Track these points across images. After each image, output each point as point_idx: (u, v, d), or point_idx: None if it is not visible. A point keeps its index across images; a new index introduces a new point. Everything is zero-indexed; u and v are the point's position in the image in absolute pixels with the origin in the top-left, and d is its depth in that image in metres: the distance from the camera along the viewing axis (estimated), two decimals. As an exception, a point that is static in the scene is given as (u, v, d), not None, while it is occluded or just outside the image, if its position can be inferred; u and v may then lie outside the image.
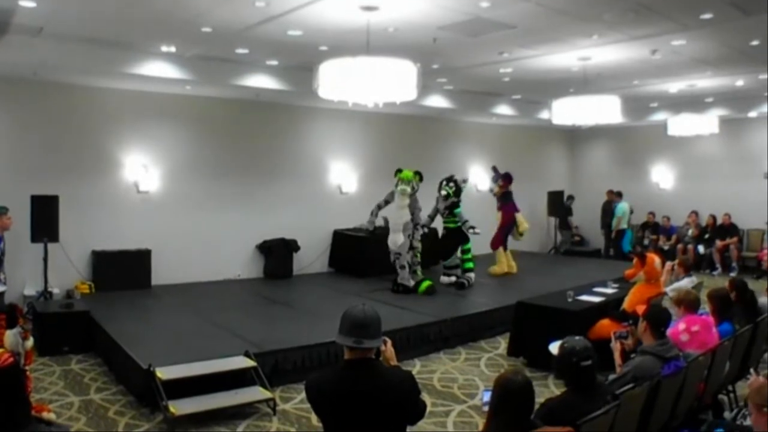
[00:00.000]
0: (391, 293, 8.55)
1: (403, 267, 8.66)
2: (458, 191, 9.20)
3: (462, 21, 6.07)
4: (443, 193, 9.14)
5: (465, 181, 9.51)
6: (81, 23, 6.26)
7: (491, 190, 10.76)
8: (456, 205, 9.22)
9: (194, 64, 7.86)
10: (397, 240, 8.65)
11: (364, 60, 5.32)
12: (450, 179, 9.27)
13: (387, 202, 9.03)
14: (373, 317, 2.52)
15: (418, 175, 8.74)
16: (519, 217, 10.44)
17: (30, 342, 4.26)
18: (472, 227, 9.12)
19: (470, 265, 9.31)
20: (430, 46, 6.92)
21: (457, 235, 9.28)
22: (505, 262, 10.32)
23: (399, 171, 8.82)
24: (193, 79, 8.04)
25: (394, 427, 2.52)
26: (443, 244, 9.50)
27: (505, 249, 10.47)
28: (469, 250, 9.36)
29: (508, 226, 10.44)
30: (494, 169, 10.83)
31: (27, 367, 4.16)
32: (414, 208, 8.73)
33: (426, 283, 8.62)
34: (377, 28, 5.93)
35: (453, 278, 9.26)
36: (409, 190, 8.61)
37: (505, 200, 10.49)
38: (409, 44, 6.62)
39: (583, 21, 6.13)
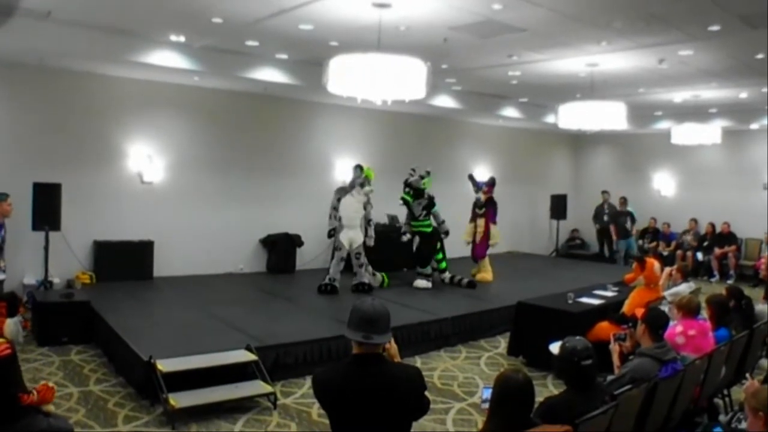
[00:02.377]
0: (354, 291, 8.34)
1: (361, 266, 8.51)
2: (418, 192, 8.98)
3: (473, 22, 6.11)
4: (400, 202, 9.05)
5: (428, 172, 9.12)
6: (90, 9, 6.25)
7: (478, 200, 9.92)
8: (432, 203, 9.09)
9: (203, 55, 7.86)
10: (356, 239, 8.44)
11: (374, 56, 5.34)
12: (405, 183, 9.07)
13: (335, 209, 8.59)
14: (382, 312, 2.52)
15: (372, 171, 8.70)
16: (493, 229, 9.89)
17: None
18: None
19: (444, 264, 9.23)
20: (440, 46, 6.95)
21: (434, 238, 9.12)
22: (490, 269, 9.95)
23: (360, 168, 8.60)
24: (202, 70, 8.04)
25: (400, 423, 2.53)
26: (421, 250, 9.17)
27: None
28: (441, 251, 9.19)
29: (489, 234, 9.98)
30: (471, 177, 10.26)
31: None
32: (368, 204, 8.59)
33: (386, 276, 8.90)
34: (388, 25, 5.96)
35: (429, 284, 8.98)
36: (373, 190, 8.54)
37: (489, 207, 9.94)
38: (420, 43, 6.64)
39: (593, 27, 6.17)
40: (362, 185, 8.45)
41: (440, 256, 9.24)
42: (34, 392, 3.56)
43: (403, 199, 9.07)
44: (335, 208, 8.55)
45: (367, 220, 8.60)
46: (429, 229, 9.13)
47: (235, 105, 9.73)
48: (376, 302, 2.56)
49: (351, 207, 8.46)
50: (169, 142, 9.20)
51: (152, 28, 7.04)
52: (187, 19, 6.53)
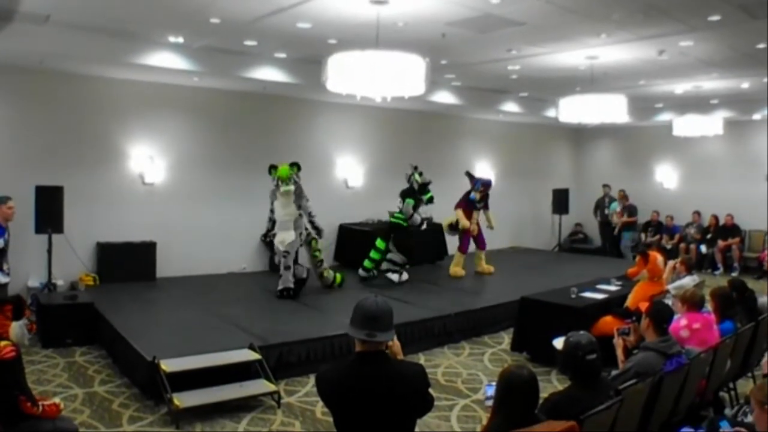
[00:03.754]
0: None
1: (288, 268, 7.86)
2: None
3: (471, 17, 6.09)
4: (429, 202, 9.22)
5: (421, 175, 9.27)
6: (89, 12, 6.26)
7: (473, 199, 9.98)
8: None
9: (202, 56, 7.85)
10: (285, 238, 7.87)
11: (373, 53, 5.32)
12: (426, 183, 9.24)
13: (272, 211, 8.11)
14: (385, 310, 2.51)
15: (296, 165, 7.95)
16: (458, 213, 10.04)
17: None
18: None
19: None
20: (439, 41, 6.93)
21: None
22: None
23: (273, 168, 7.97)
24: (201, 71, 8.03)
25: (404, 420, 2.52)
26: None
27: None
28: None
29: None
30: (469, 174, 10.32)
31: None
32: (300, 199, 7.98)
33: (340, 277, 8.61)
34: (386, 22, 5.93)
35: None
36: (292, 188, 7.80)
37: (485, 203, 10.18)
38: (418, 39, 6.62)
39: (591, 20, 6.14)
40: (278, 186, 7.85)
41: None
42: (40, 405, 3.56)
43: (431, 198, 9.22)
44: (272, 211, 8.13)
45: (308, 214, 8.11)
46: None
47: (234, 105, 9.72)
48: (379, 300, 2.55)
49: (279, 210, 7.97)
50: (170, 143, 9.20)
51: (151, 29, 7.04)
52: (185, 20, 6.52)
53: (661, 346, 3.77)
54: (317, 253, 8.40)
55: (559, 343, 3.78)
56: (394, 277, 9.04)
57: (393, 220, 9.23)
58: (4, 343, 3.49)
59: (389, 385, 2.46)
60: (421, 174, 9.21)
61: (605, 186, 13.83)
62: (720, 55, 7.64)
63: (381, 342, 2.50)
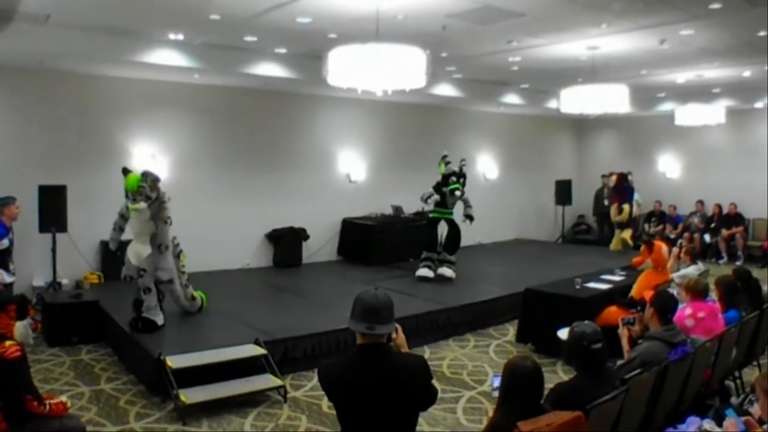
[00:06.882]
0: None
1: (148, 290, 6.09)
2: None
3: (471, 9, 6.06)
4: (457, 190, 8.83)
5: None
6: (88, 11, 6.26)
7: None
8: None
9: (202, 52, 7.85)
10: (142, 252, 6.16)
11: (373, 47, 5.31)
12: (458, 173, 8.94)
13: (122, 216, 6.42)
14: (385, 302, 2.52)
15: (149, 177, 6.10)
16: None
17: None
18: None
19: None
20: (439, 34, 6.90)
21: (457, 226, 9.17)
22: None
23: (124, 173, 6.16)
24: (201, 68, 8.03)
25: (406, 412, 2.53)
26: (452, 237, 9.07)
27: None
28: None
29: None
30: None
31: None
32: (159, 218, 6.29)
33: (204, 297, 6.99)
34: (386, 15, 5.91)
35: (454, 274, 8.80)
36: (144, 206, 6.00)
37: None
38: (418, 32, 6.60)
39: (592, 10, 6.12)
40: (127, 197, 6.12)
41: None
42: (47, 404, 3.58)
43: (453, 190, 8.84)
44: (121, 216, 6.46)
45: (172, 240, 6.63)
46: (453, 216, 9.12)
47: (236, 101, 9.72)
48: (378, 292, 2.56)
49: (134, 220, 6.27)
50: (172, 141, 9.20)
51: (151, 27, 7.03)
52: (185, 17, 6.51)
53: (666, 335, 3.77)
54: (184, 269, 6.78)
55: (564, 333, 3.78)
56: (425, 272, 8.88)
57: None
58: (9, 342, 3.50)
59: (390, 377, 2.46)
60: (447, 163, 8.92)
61: (604, 176, 13.77)
62: (721, 44, 7.61)
63: (381, 334, 2.50)
